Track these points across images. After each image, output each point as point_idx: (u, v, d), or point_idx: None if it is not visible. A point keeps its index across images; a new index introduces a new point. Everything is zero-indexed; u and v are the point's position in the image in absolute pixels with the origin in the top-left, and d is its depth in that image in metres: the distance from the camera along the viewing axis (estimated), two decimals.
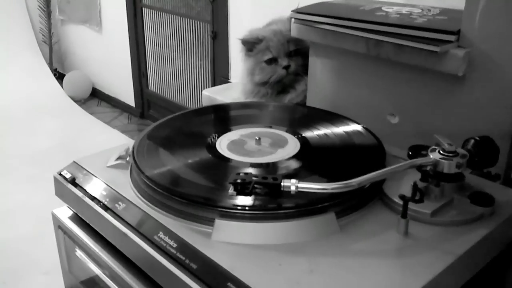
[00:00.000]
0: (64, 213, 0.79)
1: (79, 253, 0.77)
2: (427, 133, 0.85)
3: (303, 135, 0.78)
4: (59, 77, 3.72)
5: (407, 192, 0.64)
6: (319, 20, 0.90)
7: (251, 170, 0.69)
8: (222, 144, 0.77)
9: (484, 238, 0.61)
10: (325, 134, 0.78)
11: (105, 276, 0.72)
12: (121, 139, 2.99)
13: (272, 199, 0.62)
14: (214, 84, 2.82)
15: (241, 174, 0.63)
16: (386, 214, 0.65)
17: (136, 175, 0.71)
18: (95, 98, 3.67)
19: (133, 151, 0.75)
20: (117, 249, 0.68)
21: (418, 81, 0.84)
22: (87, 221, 0.73)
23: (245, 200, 0.62)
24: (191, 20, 2.80)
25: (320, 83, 0.99)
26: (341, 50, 0.93)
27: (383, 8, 0.92)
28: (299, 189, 0.61)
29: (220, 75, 2.68)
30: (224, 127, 0.83)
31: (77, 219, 0.77)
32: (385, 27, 0.82)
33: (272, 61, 1.06)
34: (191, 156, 0.74)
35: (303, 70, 1.05)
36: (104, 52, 3.42)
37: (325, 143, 0.77)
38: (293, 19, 0.96)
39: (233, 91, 1.20)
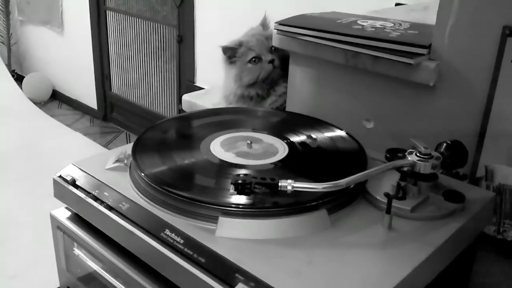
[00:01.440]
0: (63, 214, 0.82)
1: (77, 251, 0.80)
2: (399, 136, 0.93)
3: (291, 139, 0.85)
4: (18, 78, 3.66)
5: (390, 190, 0.71)
6: (301, 32, 0.97)
7: (246, 171, 0.75)
8: (216, 147, 0.82)
9: (458, 230, 0.69)
10: (311, 139, 0.85)
11: (104, 271, 0.76)
12: (83, 141, 2.98)
13: (270, 198, 0.68)
14: (179, 87, 2.86)
15: (241, 175, 0.69)
16: (370, 211, 0.72)
17: (137, 176, 0.76)
18: (55, 101, 3.64)
19: (133, 152, 0.79)
20: (118, 245, 0.72)
21: (392, 89, 0.92)
22: (90, 221, 0.77)
23: (245, 199, 0.68)
24: (156, 24, 2.83)
25: (300, 90, 1.06)
26: (321, 60, 1.00)
27: (358, 22, 1.00)
28: (294, 189, 0.67)
29: (185, 79, 2.73)
30: (216, 130, 0.88)
31: (76, 219, 0.81)
32: (363, 40, 0.90)
33: (256, 59, 1.12)
34: (188, 157, 0.79)
35: (286, 62, 1.12)
36: (66, 54, 3.40)
37: (312, 147, 0.83)
38: (275, 30, 1.02)
39: (213, 96, 1.26)
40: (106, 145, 2.98)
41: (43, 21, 3.47)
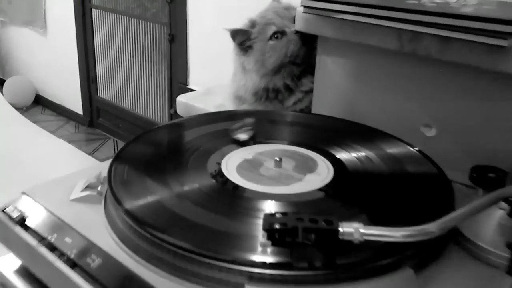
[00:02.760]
0: (8, 264, 0.56)
1: None
2: (474, 149, 0.67)
3: (337, 156, 0.58)
4: None
5: (499, 232, 0.45)
6: (337, 9, 0.71)
7: (273, 205, 0.49)
8: (230, 166, 0.56)
9: None
10: (366, 157, 0.59)
11: None
12: (67, 149, 2.70)
13: (324, 253, 0.42)
14: (171, 90, 2.58)
15: (277, 214, 0.43)
16: (471, 265, 0.46)
17: (114, 212, 0.49)
18: (38, 106, 3.35)
19: (110, 176, 0.53)
20: None
21: (467, 84, 0.66)
22: (43, 280, 0.50)
23: (286, 255, 0.42)
24: (146, 22, 2.55)
25: (332, 86, 0.80)
26: (362, 47, 0.74)
27: None
28: (365, 237, 0.41)
29: (177, 81, 2.46)
30: (227, 142, 0.62)
31: (27, 273, 0.54)
32: (428, 17, 0.64)
33: (279, 34, 0.85)
34: (189, 182, 0.53)
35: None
36: (49, 56, 3.11)
37: (368, 168, 0.57)
38: (300, 9, 0.76)
39: (216, 96, 0.99)
40: (92, 153, 2.71)
41: (25, 21, 3.19)
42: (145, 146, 0.61)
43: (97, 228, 0.49)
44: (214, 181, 0.53)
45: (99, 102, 2.97)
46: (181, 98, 1.01)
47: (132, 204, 0.48)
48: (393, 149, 0.60)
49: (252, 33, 0.86)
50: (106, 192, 0.54)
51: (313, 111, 0.83)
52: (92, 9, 2.77)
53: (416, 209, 0.49)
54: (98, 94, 2.96)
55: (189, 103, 0.97)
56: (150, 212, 0.48)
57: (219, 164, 0.56)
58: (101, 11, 2.74)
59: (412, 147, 0.61)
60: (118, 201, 0.49)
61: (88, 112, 3.04)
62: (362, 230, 0.41)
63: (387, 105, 0.74)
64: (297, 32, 0.82)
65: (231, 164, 0.56)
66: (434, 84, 0.69)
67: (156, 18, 2.49)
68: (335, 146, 0.60)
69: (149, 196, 0.51)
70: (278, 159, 0.56)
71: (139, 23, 2.58)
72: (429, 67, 0.69)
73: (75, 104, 3.08)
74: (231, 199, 0.51)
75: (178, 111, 1.00)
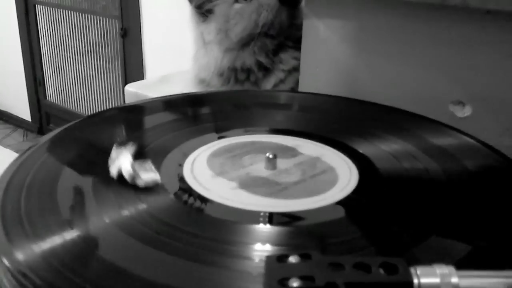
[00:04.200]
0: None
1: None
2: None
3: (359, 150, 0.38)
4: None
5: None
6: None
7: (272, 234, 0.29)
8: (198, 169, 0.35)
9: None
10: (404, 151, 0.38)
11: None
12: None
13: None
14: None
15: (291, 258, 0.23)
16: None
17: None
18: None
19: None
20: None
21: None
22: None
23: None
24: (95, 17, 2.31)
25: (325, 58, 0.60)
26: (366, 2, 0.54)
27: None
28: None
29: (133, 79, 2.23)
30: (195, 134, 0.41)
31: None
32: None
33: None
34: (129, 204, 0.32)
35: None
36: None
37: (409, 167, 0.37)
38: None
39: (174, 84, 0.78)
40: None
41: None
42: (60, 149, 0.40)
43: None
44: (172, 196, 0.33)
45: (48, 107, 2.71)
46: (130, 88, 0.79)
47: (27, 249, 0.27)
48: (438, 138, 0.40)
49: None
50: None
51: (300, 89, 0.63)
52: (36, 5, 2.51)
53: (500, 226, 0.30)
54: (47, 98, 2.69)
55: (140, 93, 0.76)
56: (58, 263, 0.27)
57: (181, 166, 0.36)
58: (46, 7, 2.48)
59: (465, 134, 0.41)
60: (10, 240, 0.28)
61: (36, 118, 2.77)
62: (454, 280, 0.21)
63: (402, 79, 0.55)
64: None
65: (200, 167, 0.36)
66: (470, 46, 0.50)
67: (106, 12, 2.25)
68: (354, 136, 0.40)
69: (61, 232, 0.29)
70: (271, 156, 0.35)
71: (88, 18, 2.34)
72: (463, 23, 0.50)
73: (22, 110, 2.81)
74: (200, 227, 0.30)
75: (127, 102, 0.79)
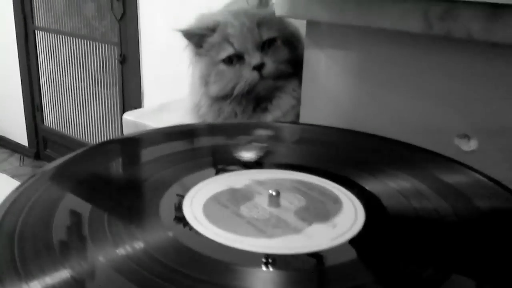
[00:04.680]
0: None
1: None
2: None
3: (366, 187, 0.37)
4: None
5: None
6: None
7: (270, 272, 0.27)
8: (196, 207, 0.34)
9: None
10: (413, 188, 0.37)
11: None
12: (11, 185, 2.41)
13: None
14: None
15: None
16: None
17: None
18: None
19: None
20: None
21: None
22: None
23: None
24: (94, 43, 2.32)
25: (326, 90, 0.59)
26: (370, 33, 0.54)
27: None
28: None
29: (131, 106, 2.22)
30: (191, 170, 0.40)
31: None
32: None
33: (234, 59, 0.64)
34: (127, 239, 0.30)
35: (287, 70, 0.65)
36: None
37: (419, 207, 0.35)
38: None
39: (171, 112, 0.77)
40: None
41: None
42: (57, 183, 0.38)
43: None
44: (177, 238, 0.31)
45: (46, 132, 2.69)
46: (128, 116, 0.78)
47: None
48: (448, 175, 0.39)
49: (208, 40, 0.65)
50: None
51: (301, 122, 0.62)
52: (36, 31, 2.52)
53: None
54: (45, 123, 2.68)
55: (139, 121, 0.75)
56: None
57: (181, 197, 0.34)
58: (46, 33, 2.49)
59: (475, 171, 0.40)
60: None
61: (33, 143, 2.75)
62: None
63: (406, 111, 0.54)
64: (254, 67, 0.63)
65: (199, 205, 0.34)
66: (476, 78, 0.49)
67: (105, 38, 2.26)
68: (359, 171, 0.39)
69: (54, 272, 0.28)
70: (273, 193, 0.34)
71: (87, 44, 2.34)
72: (468, 54, 0.49)
73: (20, 135, 2.79)
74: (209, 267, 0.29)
75: (125, 133, 0.78)
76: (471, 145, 0.51)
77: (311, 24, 0.57)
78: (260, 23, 0.64)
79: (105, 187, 0.38)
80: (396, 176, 0.38)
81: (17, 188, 0.36)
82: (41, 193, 0.35)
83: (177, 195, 0.35)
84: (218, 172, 0.40)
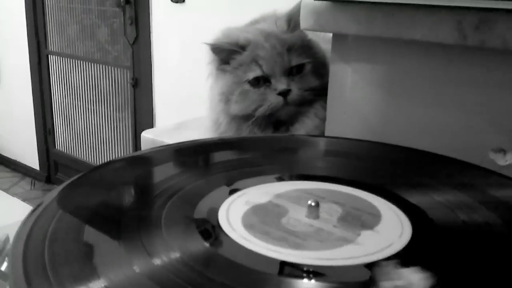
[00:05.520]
0: None
1: None
2: None
3: (411, 201, 0.35)
4: None
5: None
6: None
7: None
8: (233, 217, 0.32)
9: None
10: (459, 202, 0.35)
11: None
12: (22, 209, 2.40)
13: None
14: (135, 139, 2.34)
15: None
16: None
17: None
18: None
19: (15, 251, 0.28)
20: None
21: None
22: None
23: None
24: (107, 67, 2.33)
25: (354, 104, 0.57)
26: (399, 45, 0.52)
27: None
28: None
29: (142, 129, 2.22)
30: (223, 181, 0.38)
31: None
32: None
33: (261, 81, 0.63)
34: (161, 250, 0.28)
35: (311, 97, 0.63)
36: (2, 107, 2.84)
37: (468, 220, 0.33)
38: (302, 1, 0.55)
39: (189, 130, 0.76)
40: None
41: None
42: (85, 195, 0.36)
43: None
44: (206, 243, 0.29)
45: (57, 156, 2.69)
46: (147, 134, 0.77)
47: None
48: (494, 189, 0.37)
49: (237, 57, 0.64)
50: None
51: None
52: (49, 56, 2.54)
53: None
54: (56, 147, 2.68)
55: (158, 139, 0.74)
56: None
57: (216, 212, 0.32)
58: (58, 57, 2.51)
59: None
60: None
61: (45, 167, 2.75)
62: None
63: (437, 124, 0.52)
64: (280, 93, 0.62)
65: (236, 214, 0.32)
66: (508, 91, 0.48)
67: (118, 62, 2.27)
68: (402, 184, 0.37)
69: (90, 283, 0.26)
70: (313, 204, 0.32)
71: (99, 68, 2.36)
72: (502, 65, 0.47)
73: (31, 158, 2.79)
74: (236, 277, 0.27)
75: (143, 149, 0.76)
76: (507, 159, 0.49)
77: (337, 37, 0.56)
78: (290, 48, 0.63)
79: (139, 196, 0.36)
80: (437, 189, 0.36)
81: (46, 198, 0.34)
82: (68, 206, 0.34)
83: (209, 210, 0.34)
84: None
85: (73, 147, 2.62)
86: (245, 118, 0.64)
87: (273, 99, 0.62)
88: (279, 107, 0.62)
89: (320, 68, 0.64)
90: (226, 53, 0.64)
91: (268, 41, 0.63)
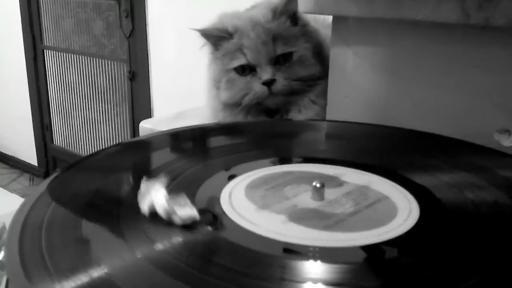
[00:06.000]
0: None
1: None
2: None
3: (418, 182, 0.34)
4: None
5: None
6: None
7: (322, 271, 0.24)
8: (236, 198, 0.31)
9: None
10: (468, 183, 0.34)
11: None
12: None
13: None
14: (133, 133, 2.33)
15: None
16: None
17: None
18: None
19: (10, 240, 0.27)
20: None
21: None
22: None
23: None
24: (103, 61, 2.31)
25: (355, 88, 0.56)
26: (401, 26, 0.51)
27: None
28: None
29: (140, 122, 2.21)
30: (225, 164, 0.37)
31: None
32: None
33: (246, 69, 0.61)
34: (159, 237, 0.28)
35: (300, 87, 0.62)
36: None
37: (478, 201, 0.32)
38: None
39: (188, 119, 0.75)
40: None
41: None
42: (82, 181, 0.35)
43: None
44: (209, 227, 0.28)
45: (55, 151, 2.68)
46: (145, 124, 0.76)
47: None
48: (501, 169, 0.36)
49: (224, 44, 0.63)
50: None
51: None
52: (44, 50, 2.52)
53: None
54: (54, 143, 2.67)
55: (157, 129, 0.72)
56: None
57: (218, 198, 0.32)
58: (54, 52, 2.49)
59: None
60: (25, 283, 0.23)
61: (43, 163, 2.74)
62: None
63: (441, 107, 0.51)
64: (264, 83, 0.60)
65: (240, 200, 0.31)
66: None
67: (114, 55, 2.25)
68: (408, 165, 0.36)
69: (90, 270, 0.25)
70: (318, 185, 0.31)
71: (96, 62, 2.34)
72: (507, 44, 0.47)
73: (29, 154, 2.78)
74: (239, 258, 0.26)
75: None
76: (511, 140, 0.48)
77: (337, 20, 0.55)
78: (276, 37, 0.61)
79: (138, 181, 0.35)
80: (445, 170, 0.35)
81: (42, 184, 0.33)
82: (66, 192, 0.33)
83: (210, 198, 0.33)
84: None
85: (71, 142, 2.61)
86: (235, 105, 0.63)
87: (257, 89, 0.61)
88: (264, 96, 0.61)
89: (314, 57, 0.63)
90: (214, 39, 0.63)
91: (254, 30, 0.61)
